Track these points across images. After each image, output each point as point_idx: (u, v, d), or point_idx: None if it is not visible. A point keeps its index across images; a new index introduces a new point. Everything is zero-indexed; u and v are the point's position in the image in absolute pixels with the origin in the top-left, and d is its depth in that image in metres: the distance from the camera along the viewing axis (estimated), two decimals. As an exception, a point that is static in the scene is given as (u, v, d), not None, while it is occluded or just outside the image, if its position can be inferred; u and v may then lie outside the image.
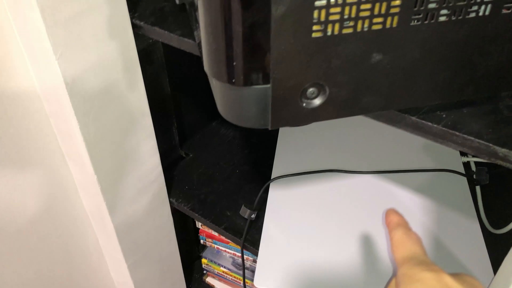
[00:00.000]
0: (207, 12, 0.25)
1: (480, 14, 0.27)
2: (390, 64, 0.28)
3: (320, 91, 0.28)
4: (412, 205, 0.55)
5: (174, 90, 0.69)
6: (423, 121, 0.33)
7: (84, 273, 0.69)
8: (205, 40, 0.27)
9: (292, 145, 0.65)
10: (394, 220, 0.34)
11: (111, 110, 0.51)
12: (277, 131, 0.69)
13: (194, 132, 0.82)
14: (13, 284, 0.58)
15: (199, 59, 0.46)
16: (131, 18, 0.49)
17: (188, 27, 0.47)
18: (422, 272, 0.28)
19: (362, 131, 0.68)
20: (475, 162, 0.63)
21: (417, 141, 0.64)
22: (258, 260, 0.48)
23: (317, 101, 0.29)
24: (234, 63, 0.26)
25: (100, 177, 0.53)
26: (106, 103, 0.50)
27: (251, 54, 0.25)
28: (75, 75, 0.45)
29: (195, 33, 0.38)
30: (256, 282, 0.46)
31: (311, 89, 0.28)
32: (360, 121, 0.70)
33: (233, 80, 0.27)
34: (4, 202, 0.51)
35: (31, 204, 0.55)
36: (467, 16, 0.27)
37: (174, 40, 0.47)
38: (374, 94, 0.29)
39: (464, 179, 0.59)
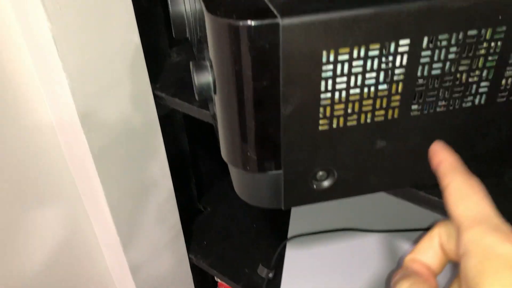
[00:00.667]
0: (223, 109, 0.28)
1: (476, 103, 0.29)
2: (394, 149, 0.30)
3: (329, 174, 0.30)
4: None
5: (192, 147, 0.72)
6: (430, 196, 0.35)
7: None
8: (221, 131, 0.29)
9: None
10: (447, 160, 0.25)
11: (133, 175, 0.53)
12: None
13: (211, 185, 0.84)
14: None
15: None
16: (153, 89, 0.52)
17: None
18: (503, 244, 0.20)
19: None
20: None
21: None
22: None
23: (326, 183, 0.30)
24: (248, 154, 0.28)
25: (122, 238, 0.56)
26: (129, 169, 0.53)
27: (263, 146, 0.28)
28: (101, 146, 0.48)
29: (210, 107, 0.41)
30: None
31: (320, 173, 0.30)
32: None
33: (248, 168, 0.29)
34: (20, 242, 0.53)
35: (48, 247, 0.57)
36: (464, 105, 0.29)
37: (194, 110, 0.50)
38: (381, 175, 0.31)
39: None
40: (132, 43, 0.46)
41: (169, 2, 0.41)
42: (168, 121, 0.63)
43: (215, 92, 0.28)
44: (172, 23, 0.41)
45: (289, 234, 0.61)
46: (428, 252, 0.25)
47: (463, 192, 0.23)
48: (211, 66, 0.27)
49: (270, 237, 0.71)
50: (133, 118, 0.50)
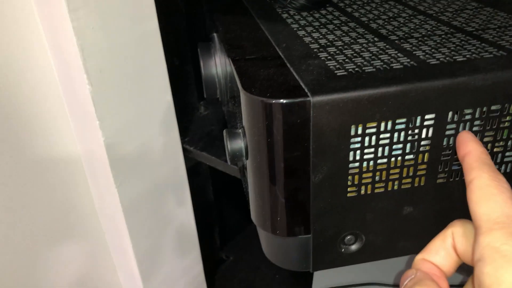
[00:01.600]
0: (255, 176, 0.29)
1: (502, 171, 0.29)
2: (421, 214, 0.30)
3: (357, 238, 0.31)
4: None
5: (216, 196, 0.73)
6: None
7: None
8: (252, 196, 0.31)
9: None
10: (476, 152, 0.23)
11: (160, 227, 0.55)
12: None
13: (235, 233, 0.84)
14: None
15: None
16: (182, 143, 0.54)
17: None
18: None
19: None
20: None
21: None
22: None
23: (354, 247, 0.31)
24: (278, 218, 0.29)
25: (145, 283, 0.56)
26: (157, 222, 0.54)
27: (293, 212, 0.29)
28: (131, 198, 0.49)
29: (240, 166, 0.43)
30: None
31: (348, 237, 0.31)
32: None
33: (277, 232, 0.30)
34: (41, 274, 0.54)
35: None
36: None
37: (221, 165, 0.51)
38: (408, 239, 0.32)
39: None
40: (165, 101, 0.49)
41: (201, 65, 0.43)
42: (195, 171, 0.65)
43: (247, 158, 0.29)
44: (204, 85, 0.43)
45: (314, 287, 0.60)
46: (440, 253, 0.24)
47: (489, 190, 0.21)
48: (244, 134, 0.29)
49: (293, 289, 0.70)
50: (162, 171, 0.52)
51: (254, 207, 0.31)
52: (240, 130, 0.30)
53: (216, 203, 0.74)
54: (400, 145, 0.27)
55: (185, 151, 0.55)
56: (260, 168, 0.28)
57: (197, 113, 0.62)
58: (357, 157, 0.27)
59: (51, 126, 0.46)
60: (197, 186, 0.67)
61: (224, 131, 0.30)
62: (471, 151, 0.24)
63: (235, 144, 0.29)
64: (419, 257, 0.25)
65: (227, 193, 0.79)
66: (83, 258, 0.56)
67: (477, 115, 0.26)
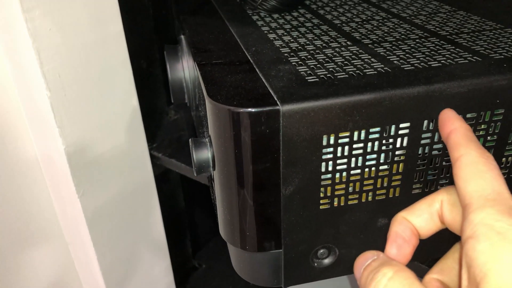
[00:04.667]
0: (222, 188, 0.27)
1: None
2: (396, 225, 0.29)
3: (330, 252, 0.29)
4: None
5: (187, 202, 0.71)
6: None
7: None
8: (220, 210, 0.29)
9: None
10: (461, 129, 0.22)
11: (126, 236, 0.52)
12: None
13: (207, 240, 0.82)
14: None
15: None
16: (150, 149, 0.52)
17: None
18: None
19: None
20: None
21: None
22: None
23: (327, 261, 0.30)
24: (247, 233, 0.28)
25: (114, 303, 0.54)
26: (124, 233, 0.51)
27: (263, 227, 0.27)
28: (96, 209, 0.47)
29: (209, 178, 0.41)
30: None
31: (321, 251, 0.29)
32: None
33: (247, 247, 0.28)
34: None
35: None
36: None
37: (190, 172, 0.49)
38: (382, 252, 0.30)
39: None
40: (130, 106, 0.47)
41: (168, 69, 0.41)
42: (165, 178, 0.62)
43: (214, 169, 0.28)
44: (171, 89, 0.41)
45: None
46: (422, 215, 0.23)
47: (478, 167, 0.20)
48: (211, 144, 0.27)
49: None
50: (129, 180, 0.50)
51: (222, 221, 0.29)
52: (206, 139, 0.28)
53: (187, 210, 0.72)
54: (374, 155, 0.26)
55: (153, 158, 0.53)
56: (227, 180, 0.26)
57: (166, 117, 0.59)
58: (330, 168, 0.26)
59: (8, 132, 0.43)
60: (167, 193, 0.64)
61: (190, 140, 0.28)
62: (456, 128, 0.22)
63: (201, 154, 0.28)
64: (400, 214, 0.24)
65: (198, 200, 0.77)
66: (45, 270, 0.53)
67: (452, 124, 0.25)
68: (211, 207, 0.80)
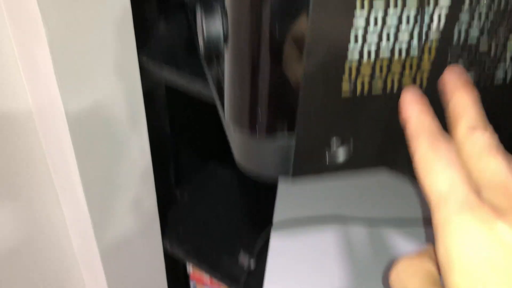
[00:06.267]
0: (235, 63, 0.24)
1: (508, 81, 0.27)
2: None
3: (344, 144, 0.27)
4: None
5: (173, 131, 0.68)
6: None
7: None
8: (229, 88, 0.26)
9: (294, 188, 0.64)
10: (413, 117, 0.22)
11: (111, 150, 0.49)
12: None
13: (190, 172, 0.80)
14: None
15: (199, 101, 0.45)
16: (140, 59, 0.48)
17: (196, 67, 0.46)
18: (471, 226, 0.18)
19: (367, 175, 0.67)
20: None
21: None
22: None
23: (340, 153, 0.28)
24: (260, 113, 0.25)
25: (94, 218, 0.51)
26: (107, 143, 0.48)
27: (277, 107, 0.25)
28: (78, 111, 0.43)
29: (209, 77, 0.38)
30: None
31: (336, 141, 0.27)
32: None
33: (256, 131, 0.26)
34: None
35: (13, 235, 0.52)
36: (495, 83, 0.27)
37: (183, 80, 0.46)
38: (399, 150, 0.29)
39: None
40: (120, 4, 0.42)
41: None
42: (151, 98, 0.59)
43: (225, 42, 0.25)
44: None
45: (274, 221, 0.58)
46: None
47: (429, 160, 0.20)
48: (224, 14, 0.24)
49: (250, 228, 0.68)
50: (115, 88, 0.46)
51: (230, 101, 0.26)
52: (218, 8, 0.25)
53: (172, 136, 0.69)
54: (407, 35, 0.23)
55: (142, 68, 0.49)
56: (242, 52, 0.24)
57: (156, 27, 0.55)
58: (359, 40, 0.23)
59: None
60: (153, 115, 0.61)
61: (198, 6, 0.25)
62: (409, 117, 0.22)
63: (213, 26, 0.25)
64: None
65: (183, 132, 0.74)
66: (26, 203, 0.50)
67: (495, 7, 0.23)
68: (194, 140, 0.77)
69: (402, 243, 0.55)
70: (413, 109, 0.22)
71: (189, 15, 0.44)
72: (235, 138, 0.28)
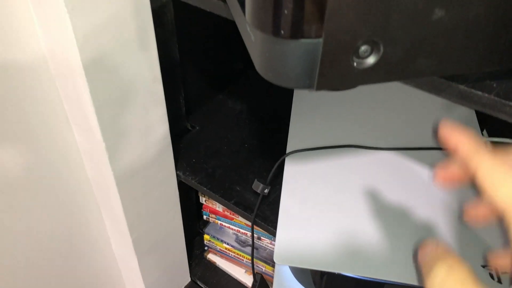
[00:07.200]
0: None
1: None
2: (452, 21, 0.25)
3: (373, 49, 0.25)
4: (433, 183, 0.53)
5: (182, 57, 0.65)
6: (472, 90, 0.31)
7: (85, 247, 0.67)
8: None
9: (306, 117, 0.62)
10: (466, 140, 0.24)
11: (121, 71, 0.47)
12: (289, 103, 0.66)
13: (200, 104, 0.79)
14: (6, 246, 0.56)
15: (208, 25, 0.43)
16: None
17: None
18: None
19: (383, 103, 0.65)
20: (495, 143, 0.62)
21: (441, 116, 0.62)
22: (277, 236, 0.46)
23: (369, 61, 0.26)
24: (285, 11, 0.23)
25: (108, 144, 0.50)
26: (117, 63, 0.46)
27: (304, 1, 0.23)
28: (87, 32, 0.41)
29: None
30: (276, 258, 0.44)
31: (364, 47, 0.25)
32: (382, 92, 0.68)
33: (281, 32, 0.24)
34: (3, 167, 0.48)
35: (31, 168, 0.52)
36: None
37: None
38: (430, 56, 0.27)
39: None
40: None
41: None
42: (159, 21, 0.56)
43: None
44: None
45: (288, 151, 0.57)
46: None
47: (498, 172, 0.22)
48: None
49: (262, 157, 0.68)
50: (123, 3, 0.43)
51: (252, 2, 0.24)
52: None
53: (181, 66, 0.66)
54: None
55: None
56: None
57: None
58: None
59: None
60: (161, 39, 0.58)
61: None
62: (461, 141, 0.25)
63: None
64: None
65: (192, 59, 0.72)
66: (48, 147, 0.48)
67: None
68: (204, 67, 0.75)
69: (417, 170, 0.55)
70: (460, 134, 0.25)
71: None
72: (257, 44, 0.26)
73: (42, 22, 0.42)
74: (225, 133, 0.73)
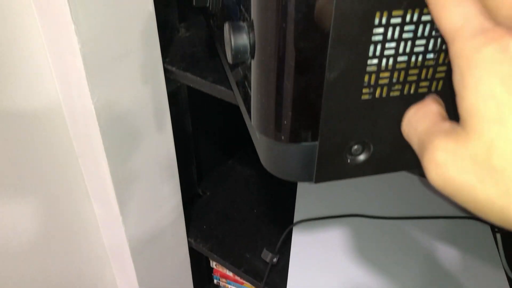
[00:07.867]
0: (261, 73, 0.26)
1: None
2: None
3: (364, 148, 0.29)
4: (436, 251, 0.55)
5: (194, 129, 0.70)
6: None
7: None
8: (256, 97, 0.28)
9: (313, 186, 0.65)
10: None
11: (140, 151, 0.51)
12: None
13: (211, 170, 0.82)
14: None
15: (219, 100, 0.47)
16: (163, 63, 0.50)
17: (218, 72, 0.48)
18: (484, 47, 0.18)
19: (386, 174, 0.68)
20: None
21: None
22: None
23: (361, 158, 0.29)
24: (284, 122, 0.27)
25: (125, 218, 0.54)
26: (136, 145, 0.51)
27: (301, 114, 0.26)
28: (109, 117, 0.46)
29: (232, 82, 0.40)
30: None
31: (356, 146, 0.29)
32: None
33: (282, 137, 0.27)
34: (4, 227, 0.51)
35: (49, 235, 0.55)
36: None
37: (206, 86, 0.48)
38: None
39: (487, 226, 0.59)
40: (146, 11, 0.44)
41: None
42: (174, 100, 0.61)
43: (252, 55, 0.26)
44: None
45: (295, 219, 0.59)
46: None
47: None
48: (251, 27, 0.26)
49: (271, 223, 0.70)
50: (142, 91, 0.48)
51: (256, 109, 0.28)
52: (244, 23, 0.27)
53: (193, 135, 0.71)
54: (423, 41, 0.25)
55: (166, 71, 0.51)
56: (268, 63, 0.25)
57: (177, 34, 0.57)
58: (377, 52, 0.24)
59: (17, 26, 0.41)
60: (176, 116, 0.63)
61: (226, 23, 0.27)
62: None
63: (240, 39, 0.26)
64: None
65: (204, 129, 0.76)
66: (67, 217, 0.52)
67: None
68: (214, 137, 0.79)
69: (420, 239, 0.57)
70: None
71: (210, 21, 0.46)
72: (261, 143, 0.30)
73: (68, 109, 0.47)
74: (235, 198, 0.76)
